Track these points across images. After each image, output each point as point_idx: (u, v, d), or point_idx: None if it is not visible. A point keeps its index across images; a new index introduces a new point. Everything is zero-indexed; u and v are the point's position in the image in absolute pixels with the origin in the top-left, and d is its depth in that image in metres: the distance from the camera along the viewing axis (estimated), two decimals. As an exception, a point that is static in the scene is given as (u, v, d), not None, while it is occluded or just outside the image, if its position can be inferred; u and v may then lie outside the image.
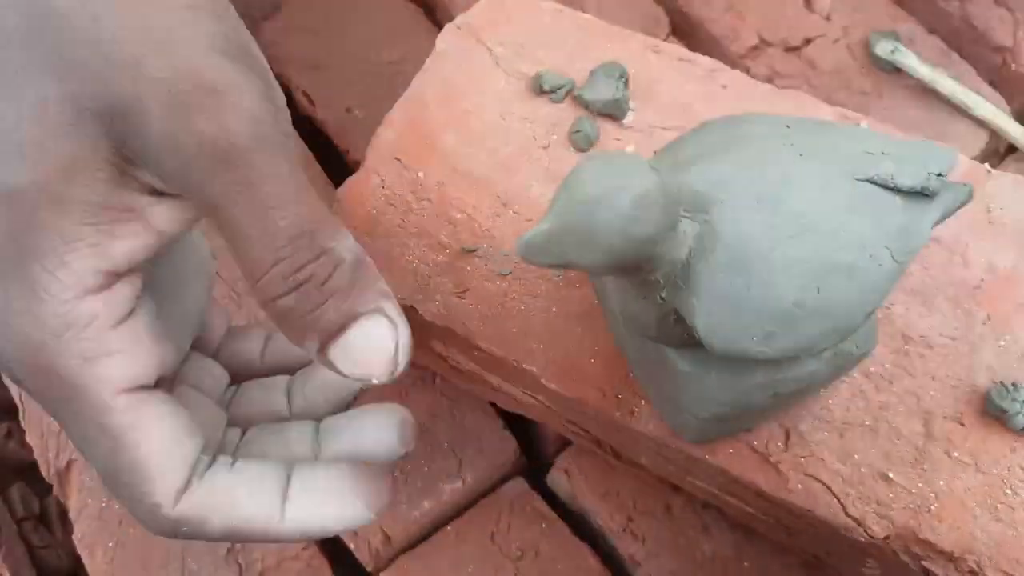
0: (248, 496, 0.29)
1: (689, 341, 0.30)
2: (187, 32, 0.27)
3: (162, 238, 0.29)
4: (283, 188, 0.27)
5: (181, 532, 0.29)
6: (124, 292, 0.28)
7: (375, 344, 0.28)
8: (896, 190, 0.29)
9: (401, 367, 0.28)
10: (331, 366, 0.28)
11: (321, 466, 0.31)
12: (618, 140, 0.41)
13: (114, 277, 0.28)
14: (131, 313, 0.28)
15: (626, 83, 0.41)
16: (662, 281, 0.28)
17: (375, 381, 0.28)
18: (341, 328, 0.28)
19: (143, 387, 0.28)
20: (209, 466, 0.29)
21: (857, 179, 0.28)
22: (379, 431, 0.33)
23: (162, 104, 0.26)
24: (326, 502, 0.30)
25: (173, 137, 0.26)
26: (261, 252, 0.27)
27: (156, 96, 0.26)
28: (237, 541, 0.30)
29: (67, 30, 0.26)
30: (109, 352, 0.27)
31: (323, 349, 0.28)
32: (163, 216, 0.28)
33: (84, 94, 0.26)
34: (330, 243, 0.27)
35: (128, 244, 0.28)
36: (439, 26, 0.48)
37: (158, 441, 0.28)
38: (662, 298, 0.29)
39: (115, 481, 0.28)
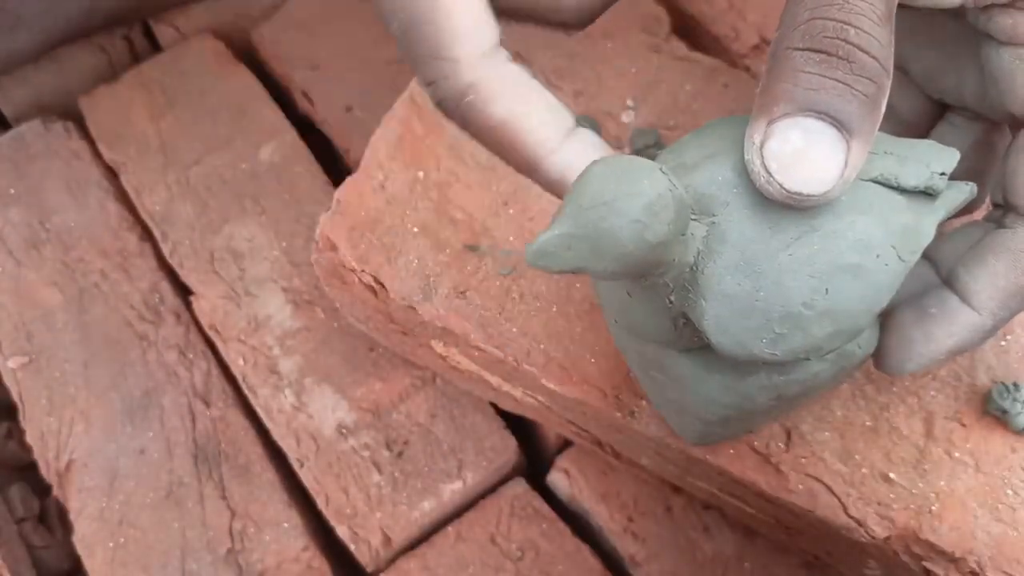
0: (538, 103, 0.29)
1: (696, 344, 0.29)
2: None
3: None
4: None
5: (463, 103, 0.29)
6: None
7: None
8: (900, 189, 0.29)
9: None
10: None
11: None
12: (618, 139, 0.41)
13: None
14: None
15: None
16: (671, 285, 0.28)
17: None
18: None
19: None
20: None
21: (861, 179, 0.28)
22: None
23: None
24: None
25: None
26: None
27: None
28: (498, 149, 0.29)
29: None
30: None
31: None
32: None
33: None
34: None
35: None
36: (439, 25, 0.48)
37: (471, 10, 0.29)
38: (671, 301, 0.28)
39: (417, 34, 0.29)
